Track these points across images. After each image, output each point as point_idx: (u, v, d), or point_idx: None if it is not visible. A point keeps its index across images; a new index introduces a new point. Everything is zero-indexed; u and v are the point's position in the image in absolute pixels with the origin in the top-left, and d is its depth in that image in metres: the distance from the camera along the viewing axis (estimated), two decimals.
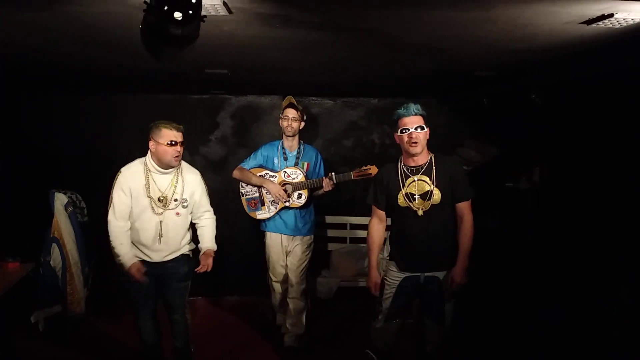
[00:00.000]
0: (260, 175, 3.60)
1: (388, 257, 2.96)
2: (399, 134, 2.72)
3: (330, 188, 3.49)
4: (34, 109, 4.76)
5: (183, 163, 2.98)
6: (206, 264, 2.90)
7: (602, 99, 3.35)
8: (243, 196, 3.70)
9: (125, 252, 2.79)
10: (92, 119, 4.84)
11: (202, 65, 3.22)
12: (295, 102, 3.58)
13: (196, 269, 2.92)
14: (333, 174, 3.49)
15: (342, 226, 4.97)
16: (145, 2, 1.36)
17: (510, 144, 4.45)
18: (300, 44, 2.59)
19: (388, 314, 2.85)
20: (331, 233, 4.93)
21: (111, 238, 2.80)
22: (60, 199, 3.94)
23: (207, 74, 3.54)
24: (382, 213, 2.92)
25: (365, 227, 4.83)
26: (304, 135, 3.78)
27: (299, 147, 3.67)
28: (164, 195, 2.84)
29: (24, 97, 4.69)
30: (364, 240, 4.88)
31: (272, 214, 3.62)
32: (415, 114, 2.69)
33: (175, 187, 2.88)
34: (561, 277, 3.58)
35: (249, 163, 3.67)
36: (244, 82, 4.10)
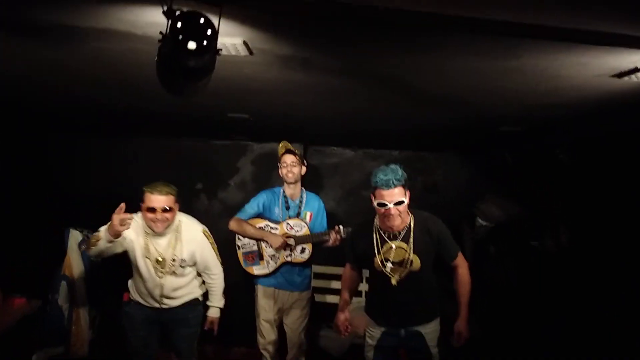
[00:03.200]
0: (260, 227, 3.30)
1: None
2: (375, 204, 2.45)
3: (338, 243, 3.23)
4: (55, 150, 4.86)
5: (184, 220, 2.80)
6: (211, 327, 2.89)
7: (630, 157, 3.22)
8: (239, 249, 3.36)
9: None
10: (112, 161, 4.89)
11: (223, 109, 3.24)
12: (291, 147, 3.36)
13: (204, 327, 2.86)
14: (341, 227, 3.23)
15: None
16: (160, 32, 1.35)
17: (535, 202, 4.30)
18: (320, 90, 2.59)
19: None
20: (337, 285, 4.73)
21: None
22: (74, 237, 3.92)
23: (229, 119, 3.56)
24: (355, 270, 2.82)
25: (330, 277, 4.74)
26: (320, 186, 3.64)
27: (301, 196, 3.41)
28: (163, 257, 2.69)
29: (44, 137, 4.79)
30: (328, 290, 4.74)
31: (271, 269, 3.30)
32: (396, 186, 2.37)
33: (174, 248, 2.71)
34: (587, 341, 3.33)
35: (247, 212, 3.34)
36: (265, 128, 4.13)
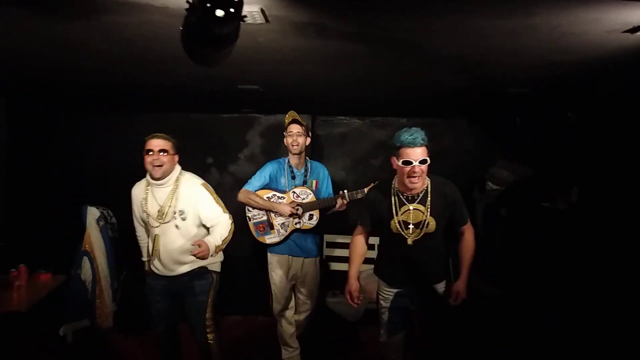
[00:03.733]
0: (267, 197, 3.41)
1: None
2: (399, 164, 2.52)
3: (344, 207, 3.34)
4: (68, 127, 4.91)
5: (186, 174, 2.91)
6: (196, 249, 2.65)
7: None
8: (250, 220, 3.47)
9: (141, 247, 3.07)
10: (123, 137, 4.93)
11: (234, 81, 3.25)
12: (298, 118, 3.44)
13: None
14: (346, 192, 3.32)
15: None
16: (187, 1, 1.38)
17: (545, 164, 4.34)
18: (333, 56, 2.60)
19: (389, 327, 2.78)
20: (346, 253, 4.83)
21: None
22: (92, 214, 4.00)
23: (239, 91, 3.58)
24: (366, 231, 2.85)
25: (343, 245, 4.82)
26: (330, 155, 3.70)
27: (306, 165, 3.50)
28: (162, 209, 2.78)
29: (58, 115, 4.84)
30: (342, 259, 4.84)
31: (282, 237, 3.43)
32: (421, 145, 2.47)
33: (171, 199, 2.79)
34: (597, 302, 3.42)
35: (254, 184, 3.44)
36: (274, 100, 4.14)
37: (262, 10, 1.82)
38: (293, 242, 3.44)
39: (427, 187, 2.63)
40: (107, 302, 3.95)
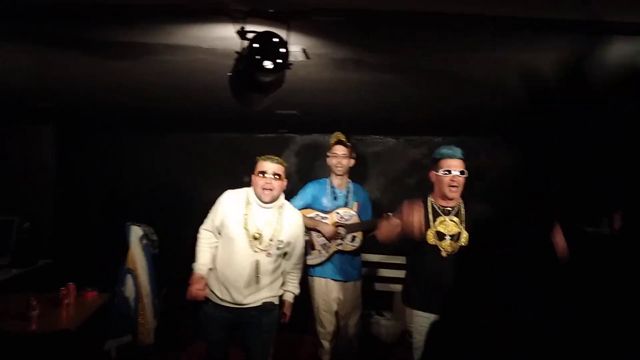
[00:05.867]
0: (310, 217, 3.29)
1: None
2: (439, 174, 2.61)
3: None
4: (113, 149, 5.13)
5: (287, 203, 2.79)
6: (284, 313, 2.72)
7: None
8: None
9: (199, 258, 2.65)
10: (166, 157, 5.14)
11: (273, 107, 3.33)
12: (344, 139, 3.32)
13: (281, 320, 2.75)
14: (391, 214, 3.12)
15: (402, 266, 4.85)
16: (236, 52, 1.45)
17: (588, 186, 4.24)
18: (369, 85, 2.66)
19: None
20: (390, 273, 4.82)
21: (197, 246, 2.71)
22: (135, 232, 4.12)
23: (277, 115, 3.67)
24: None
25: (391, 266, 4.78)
26: (365, 174, 3.66)
27: (348, 186, 3.41)
28: (260, 233, 2.61)
29: (103, 138, 5.06)
30: (388, 279, 4.79)
31: (323, 258, 3.32)
32: (460, 158, 2.62)
33: (274, 226, 2.64)
34: None
35: (297, 203, 3.26)
36: (310, 121, 4.22)
37: (304, 50, 1.89)
38: (334, 264, 3.34)
39: (460, 203, 2.69)
40: (149, 318, 4.06)
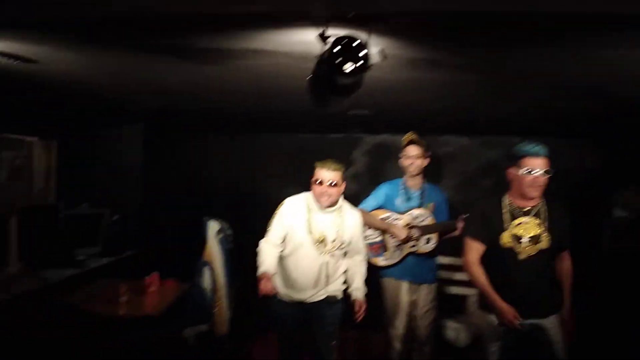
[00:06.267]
0: (382, 218, 3.30)
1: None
2: (522, 173, 2.46)
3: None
4: (194, 148, 5.43)
5: (346, 204, 2.89)
6: (360, 314, 2.72)
7: None
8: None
9: (264, 259, 2.69)
10: (240, 157, 5.37)
11: (346, 107, 3.38)
12: (416, 139, 3.30)
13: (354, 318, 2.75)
14: (469, 216, 3.11)
15: None
16: (317, 56, 1.50)
17: None
18: (445, 85, 2.62)
19: None
20: (463, 276, 4.69)
21: (258, 256, 2.75)
22: (213, 227, 4.33)
23: (349, 115, 3.70)
24: (482, 248, 2.58)
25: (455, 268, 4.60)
26: (437, 175, 3.57)
27: (423, 187, 3.36)
28: (324, 236, 2.73)
29: (186, 137, 5.36)
30: (453, 282, 4.61)
31: (396, 260, 3.28)
32: (545, 156, 2.46)
33: (337, 228, 2.75)
34: None
35: (369, 204, 3.36)
36: (381, 121, 4.21)
37: (382, 50, 1.90)
38: (408, 266, 3.30)
39: (540, 203, 2.56)
40: (224, 309, 4.26)
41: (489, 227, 2.56)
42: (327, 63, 1.41)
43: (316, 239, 2.72)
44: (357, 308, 2.73)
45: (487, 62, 2.18)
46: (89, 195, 4.56)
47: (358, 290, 2.81)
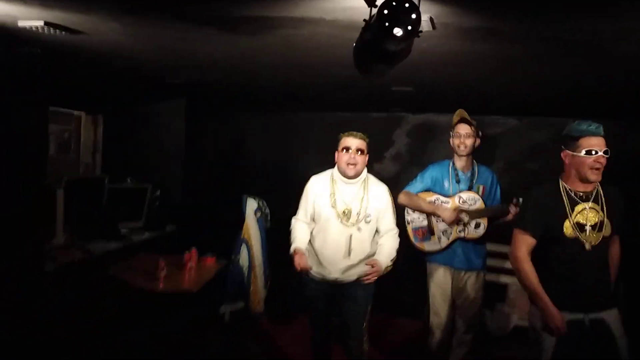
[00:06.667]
0: (430, 201, 3.18)
1: None
2: (581, 154, 2.29)
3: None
4: (235, 125, 5.44)
5: (371, 176, 2.89)
6: (369, 274, 2.66)
7: None
8: (409, 224, 3.26)
9: (296, 235, 2.82)
10: (279, 134, 5.34)
11: (390, 83, 3.25)
12: (467, 117, 3.16)
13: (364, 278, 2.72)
14: (521, 200, 2.94)
15: None
16: (364, 20, 1.40)
17: None
18: (498, 59, 2.45)
19: None
20: (505, 264, 4.51)
21: (291, 234, 2.89)
22: (251, 205, 4.34)
23: (392, 92, 3.57)
24: (533, 243, 2.39)
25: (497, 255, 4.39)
26: (482, 158, 3.35)
27: (473, 168, 3.21)
28: (348, 209, 2.75)
29: (227, 114, 5.37)
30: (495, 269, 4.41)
31: (443, 245, 3.17)
32: (603, 136, 2.31)
33: (361, 200, 2.76)
34: None
35: (416, 186, 3.25)
36: (425, 99, 4.05)
37: (431, 19, 1.77)
38: (455, 252, 3.18)
39: (597, 188, 2.39)
40: (260, 287, 4.28)
41: (547, 217, 2.38)
42: (375, 27, 1.31)
43: (341, 211, 2.73)
44: (370, 264, 2.67)
45: (545, 33, 2.00)
46: (133, 170, 4.64)
47: (380, 255, 2.76)
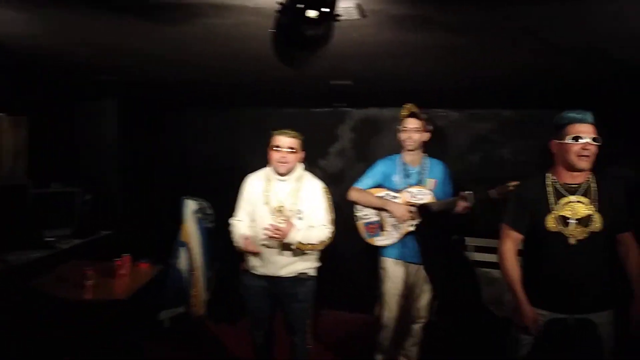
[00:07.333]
0: (380, 196, 3.16)
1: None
2: (568, 142, 2.21)
3: (467, 211, 3.00)
4: (170, 124, 5.20)
5: (307, 174, 2.89)
6: (275, 229, 2.62)
7: None
8: (359, 220, 3.24)
9: (237, 232, 2.82)
10: (219, 132, 5.15)
11: (327, 76, 3.16)
12: (416, 111, 3.13)
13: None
14: (471, 193, 2.99)
15: (464, 248, 4.57)
16: (279, 3, 1.28)
17: None
18: (433, 48, 2.39)
19: None
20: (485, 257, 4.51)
21: (231, 234, 2.87)
22: (190, 206, 4.16)
23: (331, 86, 3.48)
24: (519, 238, 2.37)
25: (488, 250, 4.48)
26: (427, 151, 3.30)
27: (423, 162, 3.19)
28: (282, 205, 2.76)
29: (161, 113, 5.12)
30: (486, 264, 4.50)
31: (394, 239, 3.15)
32: (592, 123, 2.21)
33: (294, 197, 2.77)
34: None
35: (366, 182, 3.23)
36: (366, 94, 4.00)
37: (359, 6, 1.68)
38: (408, 245, 3.16)
39: (589, 178, 2.28)
40: (201, 291, 4.11)
41: (531, 211, 2.32)
42: (290, 9, 1.20)
43: (274, 207, 2.76)
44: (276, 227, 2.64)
45: (482, 20, 1.96)
46: (61, 174, 4.33)
47: (299, 230, 2.71)
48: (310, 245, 2.74)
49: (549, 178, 2.32)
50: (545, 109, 4.41)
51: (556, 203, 2.26)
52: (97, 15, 1.94)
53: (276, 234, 2.63)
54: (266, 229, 2.64)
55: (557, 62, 2.59)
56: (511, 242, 2.37)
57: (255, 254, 2.77)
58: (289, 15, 1.24)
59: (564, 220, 2.23)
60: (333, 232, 2.84)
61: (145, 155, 4.89)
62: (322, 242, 2.78)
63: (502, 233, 2.41)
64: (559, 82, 3.18)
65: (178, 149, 5.20)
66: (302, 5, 1.15)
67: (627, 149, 4.11)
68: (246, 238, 2.76)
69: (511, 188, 2.78)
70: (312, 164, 4.88)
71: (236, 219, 2.89)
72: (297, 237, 2.69)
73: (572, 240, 2.22)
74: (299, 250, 2.75)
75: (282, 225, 2.66)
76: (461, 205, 2.99)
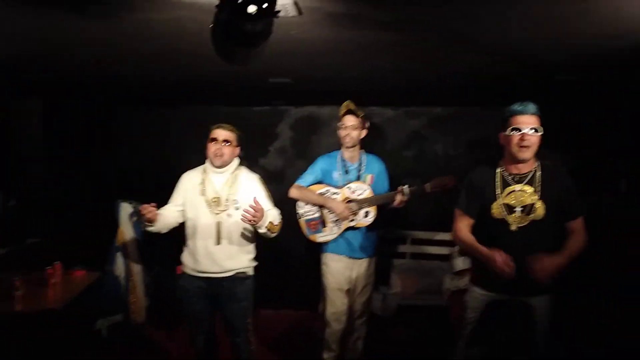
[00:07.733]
0: (320, 193, 3.20)
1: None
2: (507, 133, 2.32)
3: (403, 204, 3.08)
4: (100, 124, 4.96)
5: (243, 169, 2.92)
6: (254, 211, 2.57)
7: None
8: (301, 217, 3.26)
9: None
10: (155, 132, 4.98)
11: (265, 74, 3.16)
12: (354, 108, 3.17)
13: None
14: (407, 187, 3.08)
15: (400, 240, 4.74)
16: None
17: (591, 154, 4.10)
18: (369, 47, 2.47)
19: (470, 341, 2.49)
20: (387, 247, 4.69)
21: None
22: (125, 210, 4.00)
23: (270, 84, 3.49)
24: (471, 222, 2.48)
25: (428, 242, 4.69)
26: (364, 147, 3.37)
27: (361, 158, 3.27)
28: (217, 196, 2.77)
29: (90, 113, 4.87)
30: (425, 256, 4.71)
31: (335, 235, 3.19)
32: (533, 114, 2.29)
33: (229, 187, 2.80)
34: None
35: (307, 179, 3.26)
36: (305, 92, 4.04)
37: (296, 3, 1.71)
38: (348, 241, 3.21)
39: (535, 168, 2.38)
40: (140, 297, 3.97)
41: (479, 198, 2.43)
42: (229, 6, 1.20)
43: (210, 199, 2.78)
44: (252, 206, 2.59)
45: (413, 18, 2.05)
46: None
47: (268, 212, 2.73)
48: (278, 225, 2.79)
49: (499, 168, 2.45)
50: (475, 106, 4.68)
51: (502, 192, 2.39)
52: (19, 8, 1.83)
53: (255, 215, 2.57)
54: (245, 210, 2.57)
55: (486, 60, 2.75)
56: (464, 225, 2.50)
57: (150, 221, 2.66)
58: (227, 11, 1.24)
59: (510, 208, 2.36)
60: (279, 212, 2.87)
61: (75, 157, 4.64)
62: (280, 222, 2.83)
63: (456, 217, 2.54)
64: (488, 79, 3.38)
65: (111, 149, 4.98)
66: (241, 1, 1.16)
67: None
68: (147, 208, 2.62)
69: (442, 181, 3.00)
70: (252, 163, 4.85)
71: (163, 211, 2.78)
72: (269, 218, 2.71)
73: (513, 227, 2.35)
74: (232, 247, 2.75)
75: (259, 207, 2.59)
76: (398, 199, 3.08)
